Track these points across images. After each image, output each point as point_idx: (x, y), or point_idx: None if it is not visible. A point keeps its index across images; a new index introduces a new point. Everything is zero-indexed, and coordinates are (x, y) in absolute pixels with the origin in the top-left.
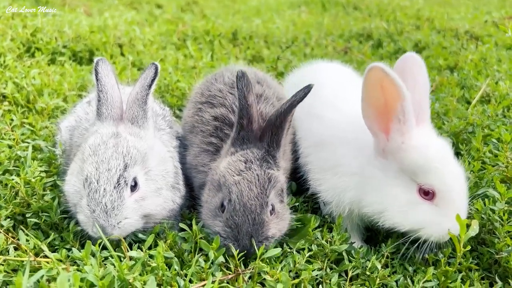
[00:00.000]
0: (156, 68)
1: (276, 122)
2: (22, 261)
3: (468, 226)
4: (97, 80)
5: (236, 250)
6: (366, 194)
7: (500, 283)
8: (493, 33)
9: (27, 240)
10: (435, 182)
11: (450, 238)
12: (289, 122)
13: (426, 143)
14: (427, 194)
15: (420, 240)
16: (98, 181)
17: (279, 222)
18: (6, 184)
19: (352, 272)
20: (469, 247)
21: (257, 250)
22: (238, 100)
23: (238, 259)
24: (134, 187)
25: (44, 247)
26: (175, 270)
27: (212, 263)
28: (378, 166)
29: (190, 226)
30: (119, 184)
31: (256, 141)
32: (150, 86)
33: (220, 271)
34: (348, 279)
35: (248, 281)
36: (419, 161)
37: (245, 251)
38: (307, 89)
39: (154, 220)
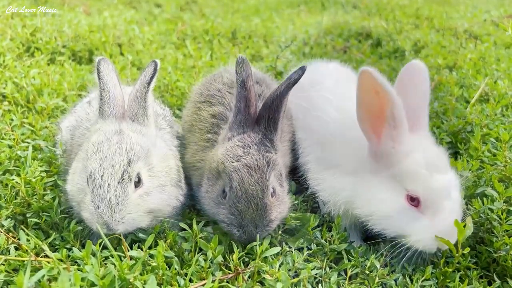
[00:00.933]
0: (156, 65)
1: (272, 105)
2: (23, 261)
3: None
4: (99, 78)
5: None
6: (357, 196)
7: (498, 281)
8: (492, 32)
9: (27, 240)
10: (421, 190)
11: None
12: (285, 105)
13: (417, 149)
14: (413, 200)
15: (409, 248)
16: (102, 176)
17: (279, 205)
18: (7, 184)
19: (351, 271)
20: (468, 249)
21: (258, 238)
22: (236, 83)
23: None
24: (137, 183)
25: (45, 247)
26: (175, 269)
27: (211, 262)
28: (370, 169)
29: (190, 225)
30: (123, 180)
31: (253, 124)
32: (149, 82)
33: (220, 270)
34: (347, 278)
35: (247, 280)
36: (406, 167)
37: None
38: (301, 71)
39: (158, 217)
